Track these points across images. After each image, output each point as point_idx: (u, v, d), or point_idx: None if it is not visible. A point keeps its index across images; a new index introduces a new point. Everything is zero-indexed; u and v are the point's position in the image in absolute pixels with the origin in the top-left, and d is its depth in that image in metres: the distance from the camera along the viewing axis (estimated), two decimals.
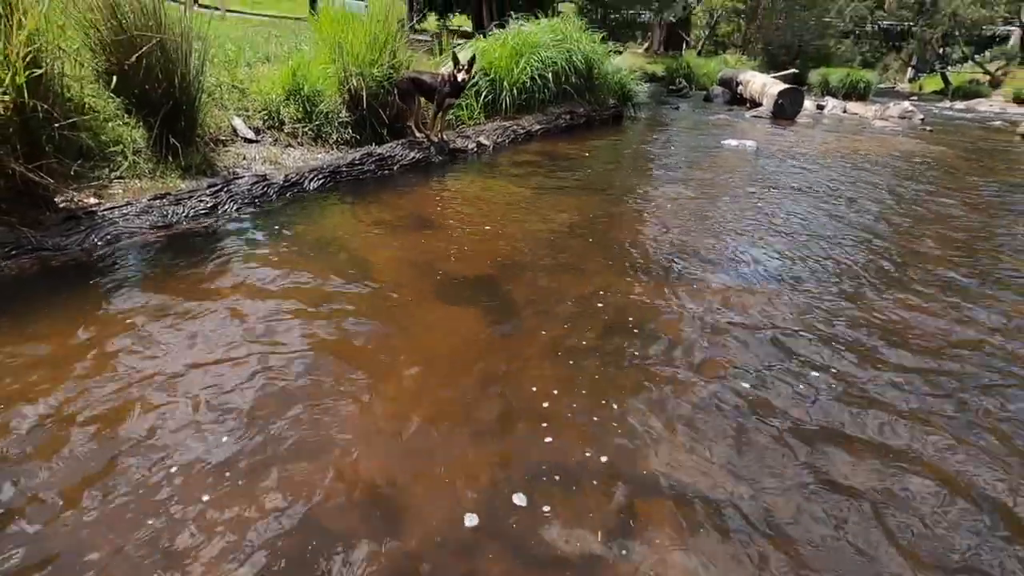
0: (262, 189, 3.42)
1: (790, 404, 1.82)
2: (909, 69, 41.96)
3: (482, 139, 5.52)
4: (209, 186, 3.26)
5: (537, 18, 7.49)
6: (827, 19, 34.09)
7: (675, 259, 3.02)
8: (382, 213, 3.55)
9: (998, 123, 14.11)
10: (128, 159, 3.30)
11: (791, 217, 3.90)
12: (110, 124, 3.36)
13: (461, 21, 34.93)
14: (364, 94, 4.60)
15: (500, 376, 1.90)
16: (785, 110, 11.03)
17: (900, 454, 1.62)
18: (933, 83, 36.09)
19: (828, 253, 3.23)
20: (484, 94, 6.28)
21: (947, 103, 23.92)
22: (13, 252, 2.39)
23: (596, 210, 3.88)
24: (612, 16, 21.69)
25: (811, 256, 3.17)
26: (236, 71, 5.07)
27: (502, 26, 7.55)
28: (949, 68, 37.92)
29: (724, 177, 5.13)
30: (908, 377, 2.00)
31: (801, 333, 2.28)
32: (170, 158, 3.47)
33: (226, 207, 3.19)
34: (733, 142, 6.99)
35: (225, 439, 1.51)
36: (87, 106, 3.26)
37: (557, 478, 1.46)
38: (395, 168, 4.44)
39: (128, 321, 2.06)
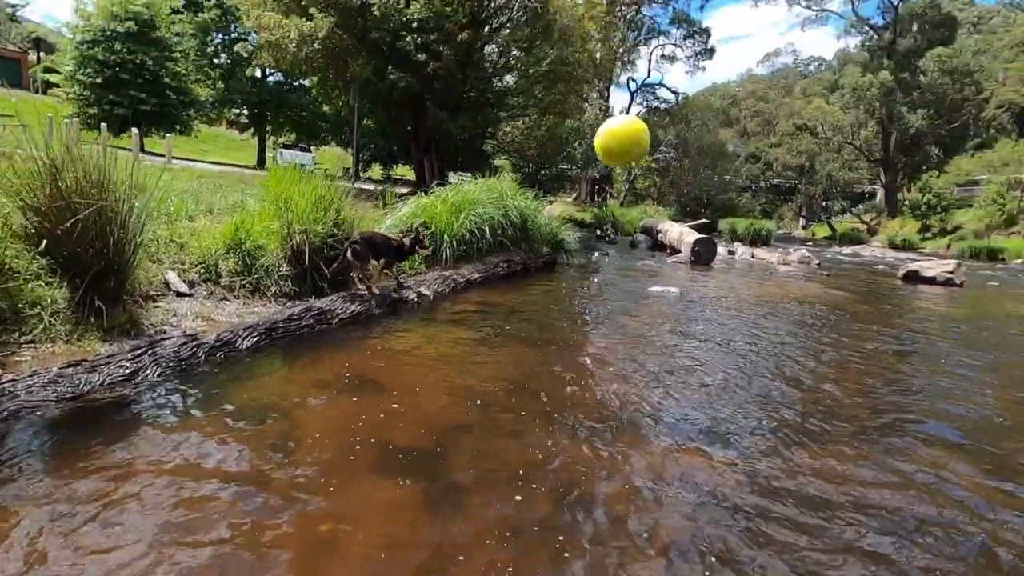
0: (190, 351, 3.27)
1: None
2: (800, 218, 48.23)
3: (423, 289, 5.66)
4: (131, 349, 3.09)
5: (473, 175, 8.21)
6: (727, 177, 39.45)
7: (616, 419, 3.05)
8: (318, 373, 3.45)
9: (881, 267, 16.09)
10: (44, 321, 3.11)
11: (717, 368, 4.12)
12: (30, 285, 3.21)
13: (404, 171, 37.50)
14: (306, 250, 4.71)
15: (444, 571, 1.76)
16: (701, 256, 12.18)
17: None
18: (822, 230, 41.48)
19: (758, 409, 3.38)
20: None
21: (836, 248, 27.22)
22: None
23: (535, 363, 3.95)
24: (543, 171, 24.16)
25: (742, 412, 3.30)
26: (176, 225, 5.11)
27: (444, 181, 8.21)
28: (833, 218, 43.91)
29: (654, 328, 5.42)
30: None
31: (747, 504, 2.29)
32: (92, 319, 3.31)
33: (148, 372, 3.00)
34: (659, 288, 7.52)
35: None
36: (7, 267, 3.13)
37: None
38: (334, 322, 4.42)
39: (3, 519, 1.79)
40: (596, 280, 8.65)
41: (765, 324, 5.89)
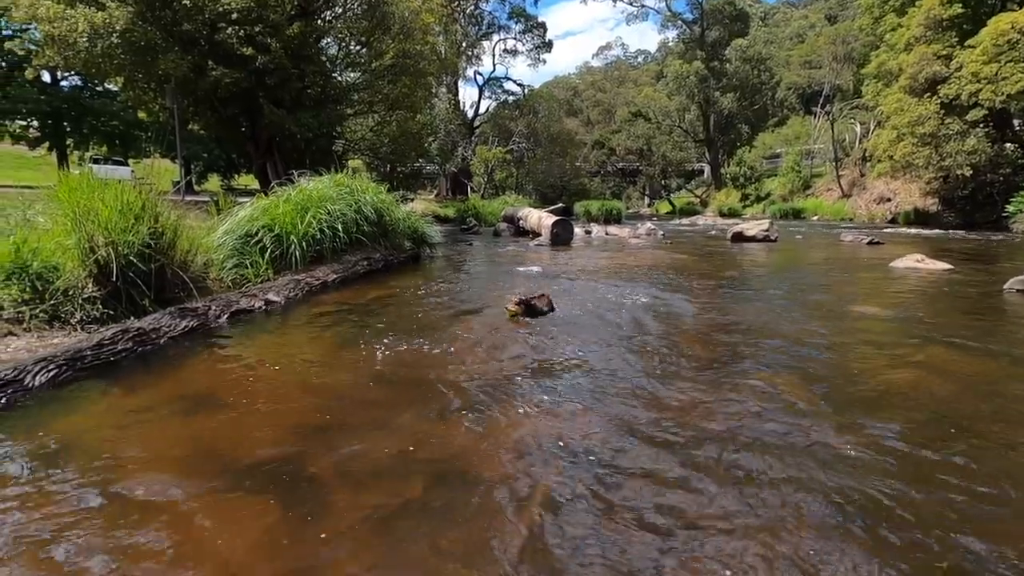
0: None
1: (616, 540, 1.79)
2: (645, 197, 52.69)
3: (271, 296, 5.15)
4: None
5: (320, 174, 7.68)
6: (578, 163, 41.79)
7: (481, 393, 2.99)
8: (144, 399, 2.95)
9: (713, 232, 18.07)
10: None
11: (579, 333, 4.25)
12: None
13: (248, 180, 34.47)
14: (114, 265, 4.01)
15: None
16: (560, 237, 12.68)
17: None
18: (664, 206, 45.70)
19: (621, 361, 3.53)
20: (270, 249, 6.00)
21: (677, 220, 30.06)
22: None
23: (399, 356, 3.76)
24: (399, 169, 23.59)
25: (603, 364, 3.42)
26: None
27: (290, 181, 7.54)
28: (672, 195, 48.52)
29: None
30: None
31: (617, 449, 2.35)
32: None
33: None
34: (522, 268, 7.68)
35: None
36: None
37: None
38: (162, 341, 3.82)
39: None
40: (463, 268, 8.59)
41: (620, 289, 6.25)
